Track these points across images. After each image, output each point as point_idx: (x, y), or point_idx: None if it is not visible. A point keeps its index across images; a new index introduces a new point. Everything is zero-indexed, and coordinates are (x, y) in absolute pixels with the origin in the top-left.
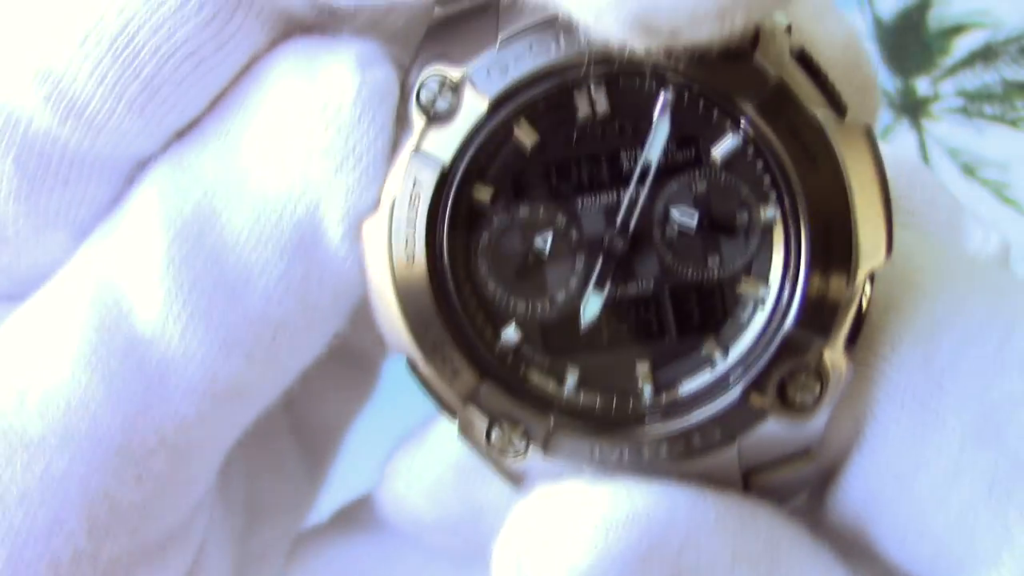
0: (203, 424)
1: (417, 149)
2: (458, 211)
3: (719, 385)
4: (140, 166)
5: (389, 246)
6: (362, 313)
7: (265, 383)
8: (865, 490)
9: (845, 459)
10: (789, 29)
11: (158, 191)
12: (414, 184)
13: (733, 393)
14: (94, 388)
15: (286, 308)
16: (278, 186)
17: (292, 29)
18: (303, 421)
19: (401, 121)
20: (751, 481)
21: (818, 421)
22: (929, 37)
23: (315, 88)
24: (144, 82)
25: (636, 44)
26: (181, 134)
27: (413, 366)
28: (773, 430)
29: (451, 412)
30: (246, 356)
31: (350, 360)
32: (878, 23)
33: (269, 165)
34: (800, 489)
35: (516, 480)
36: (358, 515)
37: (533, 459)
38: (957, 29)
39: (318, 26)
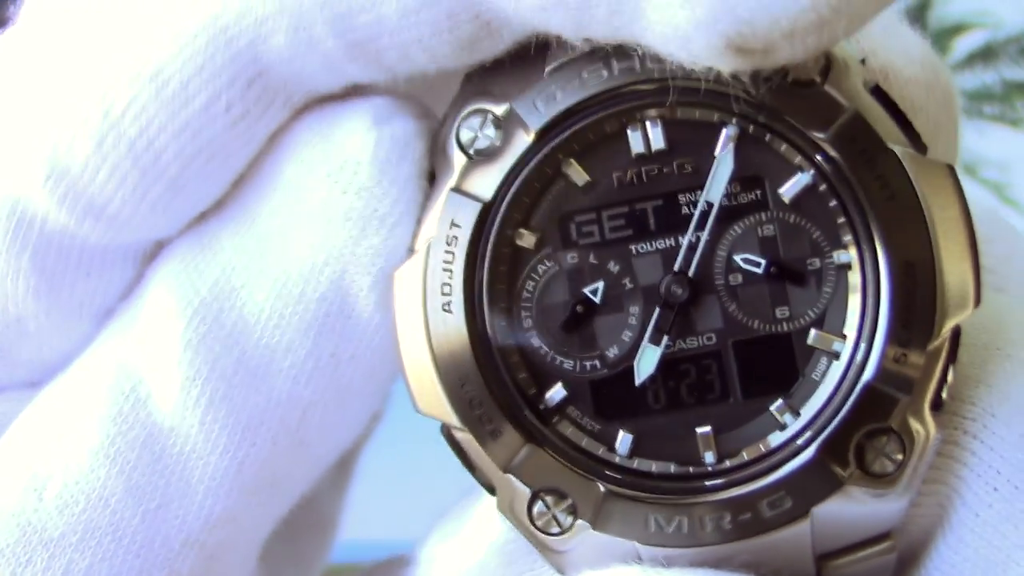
0: (233, 521)
1: (456, 188)
2: (500, 255)
3: (790, 449)
4: (159, 244)
5: (423, 295)
6: None
7: (297, 470)
8: None
9: (926, 548)
10: (863, 62)
11: (175, 272)
12: (451, 225)
13: (806, 456)
14: (112, 482)
15: (314, 389)
16: (299, 257)
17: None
18: None
19: (439, 165)
20: (823, 569)
21: (900, 495)
22: (929, 37)
23: (330, 150)
24: (168, 182)
25: (724, 66)
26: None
27: (448, 433)
28: (850, 505)
29: (489, 484)
30: (272, 442)
31: None
32: None
33: (289, 236)
34: None
35: (561, 564)
36: None
37: (580, 537)
38: (957, 29)
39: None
